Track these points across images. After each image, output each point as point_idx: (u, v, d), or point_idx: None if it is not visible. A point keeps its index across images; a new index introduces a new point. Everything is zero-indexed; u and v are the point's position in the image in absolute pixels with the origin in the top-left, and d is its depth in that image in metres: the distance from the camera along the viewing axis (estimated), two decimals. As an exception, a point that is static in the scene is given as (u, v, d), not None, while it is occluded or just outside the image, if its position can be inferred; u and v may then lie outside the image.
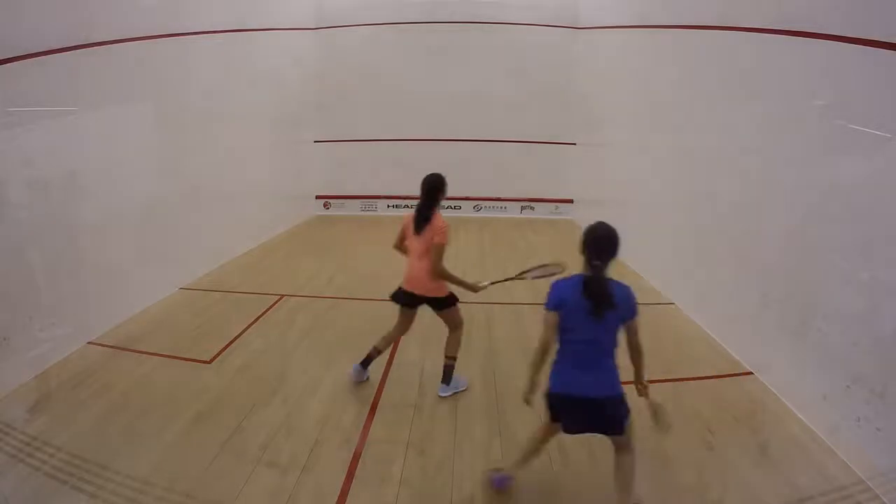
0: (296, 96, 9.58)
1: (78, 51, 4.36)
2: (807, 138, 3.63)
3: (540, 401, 2.58)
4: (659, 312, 5.41)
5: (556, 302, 2.44)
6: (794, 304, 3.62)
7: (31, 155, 3.96)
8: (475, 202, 10.69)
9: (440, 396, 3.72)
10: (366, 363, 3.87)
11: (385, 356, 4.29)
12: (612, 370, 2.49)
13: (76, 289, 4.34)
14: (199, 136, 6.34)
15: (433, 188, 3.54)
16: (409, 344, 4.51)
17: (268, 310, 5.36)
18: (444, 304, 3.66)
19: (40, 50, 3.97)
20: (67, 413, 3.46)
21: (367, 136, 10.47)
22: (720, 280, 4.69)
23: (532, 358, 2.51)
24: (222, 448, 3.12)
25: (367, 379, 3.91)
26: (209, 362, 4.22)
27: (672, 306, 5.56)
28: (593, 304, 2.37)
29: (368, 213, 10.69)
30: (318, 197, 10.87)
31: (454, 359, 3.76)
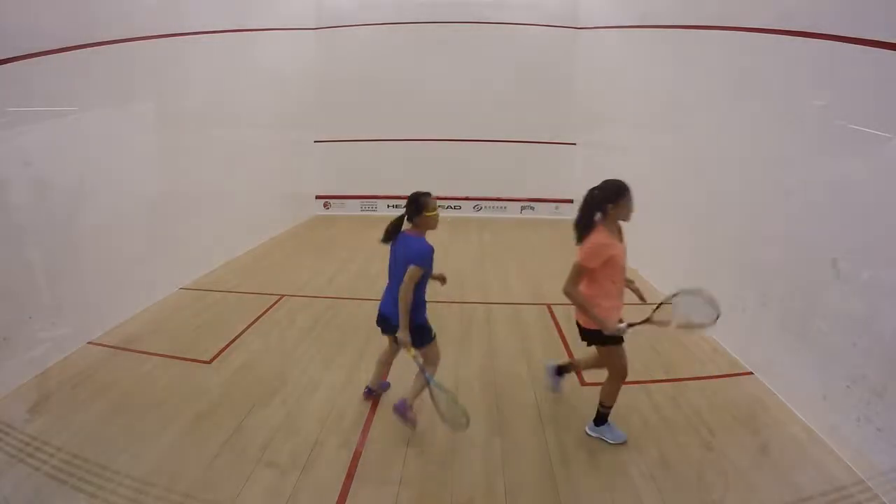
0: (296, 96, 9.58)
1: (78, 51, 4.36)
2: (807, 138, 3.62)
3: None
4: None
5: None
6: (794, 304, 3.62)
7: (31, 155, 3.96)
8: (475, 202, 10.69)
9: (586, 432, 3.27)
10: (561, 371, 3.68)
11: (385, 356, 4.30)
12: None
13: (76, 289, 4.34)
14: (199, 136, 6.34)
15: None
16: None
17: (268, 310, 5.36)
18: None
19: (40, 50, 3.97)
20: (67, 413, 3.46)
21: (367, 136, 10.48)
22: (720, 280, 4.68)
23: None
24: (222, 448, 3.11)
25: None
26: (209, 362, 4.22)
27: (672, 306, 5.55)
28: None
29: (368, 213, 10.70)
30: (318, 197, 10.88)
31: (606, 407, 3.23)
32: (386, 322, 3.34)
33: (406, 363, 4.21)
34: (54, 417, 3.41)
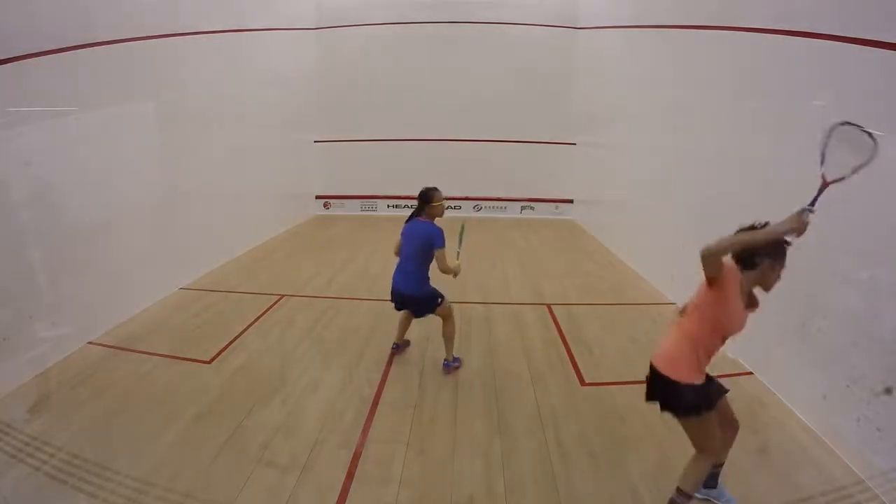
0: (296, 96, 9.59)
1: (78, 51, 4.36)
2: (807, 138, 3.62)
3: None
4: (659, 312, 5.41)
5: None
6: (794, 304, 3.61)
7: (31, 155, 3.96)
8: (475, 202, 10.70)
9: None
10: None
11: (385, 356, 4.31)
12: None
13: (76, 289, 4.34)
14: (199, 136, 6.34)
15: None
16: (410, 344, 4.51)
17: (268, 310, 5.36)
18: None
19: (40, 50, 3.97)
20: (67, 413, 3.46)
21: (368, 136, 10.48)
22: (720, 280, 4.69)
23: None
24: (222, 448, 3.11)
25: None
26: (209, 362, 4.22)
27: (672, 306, 5.55)
28: None
29: (368, 213, 10.70)
30: (318, 197, 10.88)
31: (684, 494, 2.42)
32: (401, 297, 3.92)
33: (407, 363, 4.23)
34: (54, 417, 3.41)
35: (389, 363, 4.21)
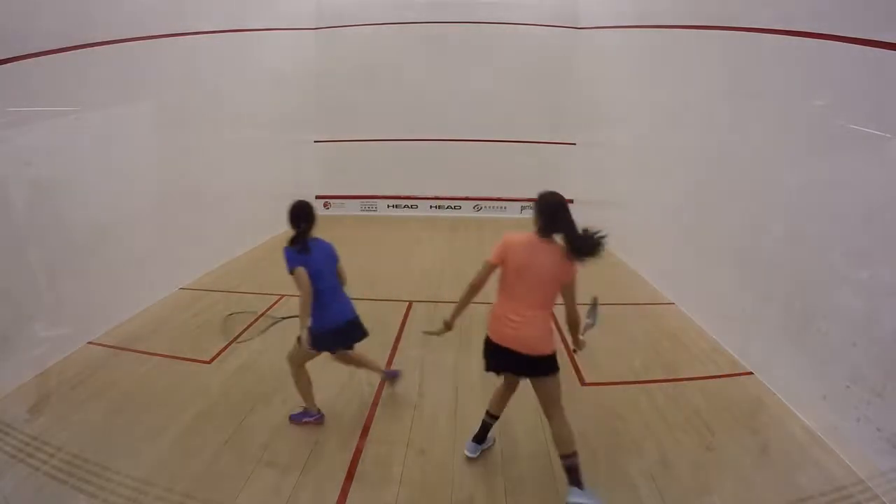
0: (295, 96, 9.58)
1: (78, 51, 4.36)
2: (807, 138, 3.63)
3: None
4: (659, 312, 5.41)
5: None
6: (794, 304, 3.62)
7: (31, 155, 3.96)
8: (475, 202, 10.69)
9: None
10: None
11: (385, 356, 4.30)
12: None
13: (76, 289, 4.34)
14: (199, 136, 6.34)
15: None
16: (410, 344, 4.51)
17: (268, 310, 5.35)
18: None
19: (40, 50, 3.97)
20: (67, 413, 3.46)
21: (367, 136, 10.47)
22: (720, 280, 4.69)
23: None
24: (222, 448, 3.12)
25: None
26: (209, 362, 4.22)
27: (672, 306, 5.56)
28: None
29: (368, 213, 10.69)
30: (318, 197, 10.87)
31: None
32: (355, 324, 3.34)
33: (407, 363, 4.22)
34: (54, 417, 3.41)
35: (389, 363, 4.21)
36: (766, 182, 4.07)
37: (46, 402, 3.62)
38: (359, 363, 3.64)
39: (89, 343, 4.47)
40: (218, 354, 4.34)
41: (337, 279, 3.29)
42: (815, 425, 3.30)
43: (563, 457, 2.68)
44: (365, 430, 3.32)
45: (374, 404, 3.63)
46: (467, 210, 10.58)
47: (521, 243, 2.86)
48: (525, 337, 2.77)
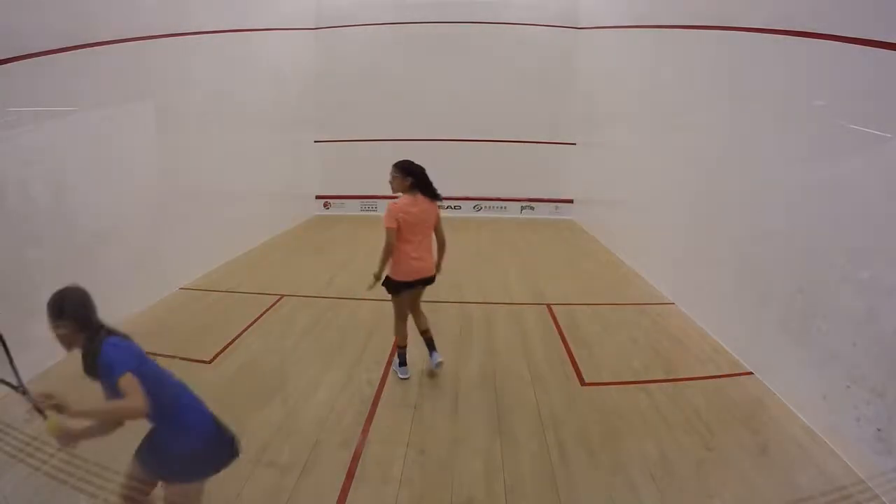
0: (296, 96, 9.59)
1: (78, 51, 4.36)
2: (807, 138, 3.63)
3: None
4: (659, 312, 5.41)
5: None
6: (794, 304, 3.62)
7: (31, 155, 3.96)
8: (475, 202, 10.70)
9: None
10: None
11: (385, 356, 4.31)
12: None
13: (76, 289, 4.34)
14: (199, 136, 6.34)
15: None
16: (410, 344, 4.51)
17: (268, 310, 5.36)
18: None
19: (40, 50, 3.97)
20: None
21: (367, 136, 10.48)
22: (720, 280, 4.69)
23: None
24: (222, 448, 3.11)
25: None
26: (209, 362, 4.22)
27: (672, 306, 5.56)
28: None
29: (368, 213, 10.69)
30: (318, 197, 10.88)
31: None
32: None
33: (406, 363, 4.22)
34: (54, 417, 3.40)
35: (389, 363, 4.21)
36: (766, 182, 4.07)
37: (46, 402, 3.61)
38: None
39: (89, 343, 4.47)
40: (218, 354, 4.34)
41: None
42: (815, 425, 3.30)
43: (423, 332, 4.01)
44: (365, 430, 3.32)
45: (374, 404, 3.63)
46: (467, 210, 10.59)
47: (406, 206, 3.75)
48: (427, 268, 3.84)
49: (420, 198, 3.75)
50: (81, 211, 4.45)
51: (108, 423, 2.22)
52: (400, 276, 3.78)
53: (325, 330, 4.91)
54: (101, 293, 4.78)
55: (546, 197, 10.57)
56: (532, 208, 10.72)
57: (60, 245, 4.22)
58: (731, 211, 4.60)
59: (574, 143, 10.12)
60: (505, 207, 10.77)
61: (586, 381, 3.98)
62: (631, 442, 3.20)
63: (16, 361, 3.33)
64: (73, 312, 2.20)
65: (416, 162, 3.88)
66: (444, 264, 3.94)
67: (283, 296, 5.75)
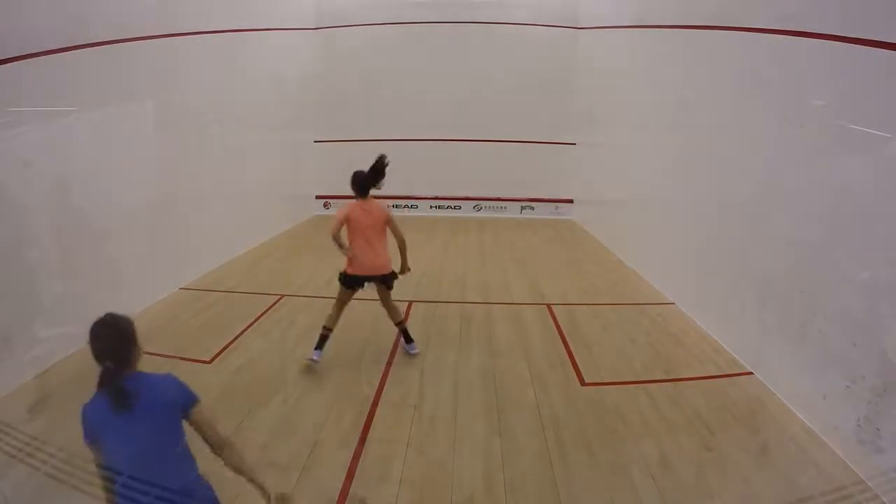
0: (296, 96, 9.58)
1: (78, 51, 4.36)
2: (807, 138, 3.62)
3: None
4: (659, 312, 5.41)
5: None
6: (794, 304, 3.62)
7: (30, 155, 3.95)
8: (475, 202, 10.68)
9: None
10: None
11: (385, 356, 4.31)
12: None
13: (76, 289, 4.33)
14: (199, 136, 6.34)
15: None
16: (417, 342, 4.51)
17: (268, 310, 5.36)
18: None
19: (40, 50, 3.97)
20: (67, 413, 3.44)
21: (368, 136, 10.46)
22: (720, 280, 4.69)
23: None
24: (222, 448, 3.11)
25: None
26: (209, 362, 4.22)
27: (672, 306, 5.56)
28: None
29: (368, 213, 10.68)
30: (318, 197, 10.87)
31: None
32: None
33: (407, 363, 4.21)
34: (54, 417, 3.41)
35: (389, 363, 4.21)
36: (766, 182, 4.07)
37: (46, 402, 3.62)
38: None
39: (90, 343, 4.46)
40: (218, 354, 4.34)
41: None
42: (815, 425, 3.30)
43: (398, 324, 4.30)
44: (365, 430, 3.32)
45: (374, 404, 3.63)
46: (467, 210, 10.58)
47: (350, 210, 4.15)
48: (378, 265, 4.13)
49: (369, 202, 4.21)
50: (81, 211, 4.44)
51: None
52: (350, 270, 4.16)
53: (325, 330, 4.90)
54: (102, 293, 4.79)
55: (546, 197, 10.57)
56: (532, 208, 10.71)
57: (60, 245, 4.22)
58: (731, 211, 4.60)
59: (574, 143, 10.11)
60: (505, 207, 10.76)
61: (586, 381, 3.98)
62: (631, 442, 3.20)
63: (16, 361, 3.31)
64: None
65: (376, 163, 4.48)
66: (409, 262, 4.23)
67: (282, 296, 5.75)
